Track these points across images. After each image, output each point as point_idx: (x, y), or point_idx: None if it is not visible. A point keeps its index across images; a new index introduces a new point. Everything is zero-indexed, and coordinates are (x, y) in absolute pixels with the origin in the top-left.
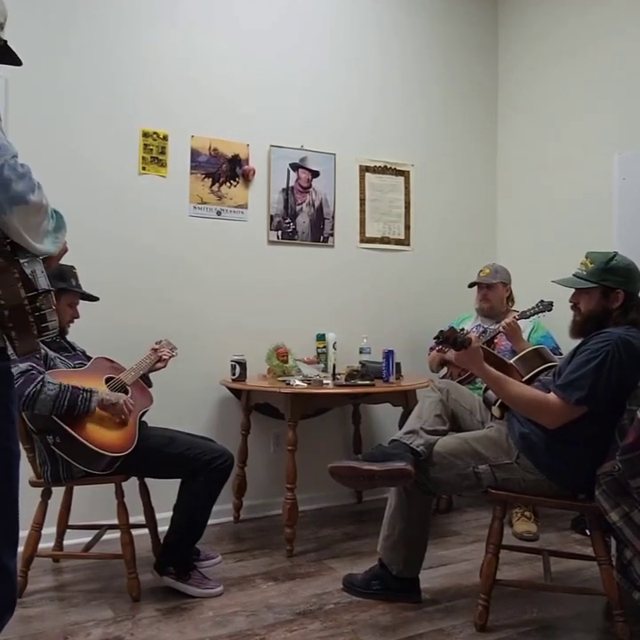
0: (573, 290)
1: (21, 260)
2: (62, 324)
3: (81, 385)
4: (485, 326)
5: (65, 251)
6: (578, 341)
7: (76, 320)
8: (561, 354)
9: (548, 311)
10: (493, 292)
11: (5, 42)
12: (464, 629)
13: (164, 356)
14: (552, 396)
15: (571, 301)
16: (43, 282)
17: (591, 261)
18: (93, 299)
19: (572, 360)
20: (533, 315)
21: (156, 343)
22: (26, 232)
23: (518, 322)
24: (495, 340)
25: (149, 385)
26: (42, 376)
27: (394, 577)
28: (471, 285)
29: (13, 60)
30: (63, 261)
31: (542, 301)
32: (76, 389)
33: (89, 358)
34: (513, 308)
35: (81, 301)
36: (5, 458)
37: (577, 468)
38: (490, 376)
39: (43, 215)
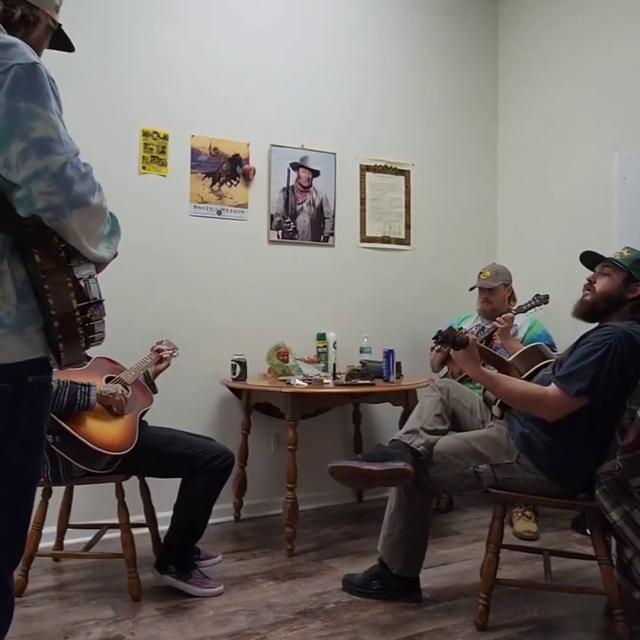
0: (591, 272)
1: (74, 267)
2: None
3: (79, 380)
4: (483, 325)
5: (115, 256)
6: (577, 327)
7: None
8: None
9: (545, 304)
10: (495, 295)
11: (60, 25)
12: (464, 629)
13: (165, 356)
14: (552, 387)
15: (588, 279)
16: (95, 290)
17: (628, 251)
18: None
19: (573, 352)
20: (530, 308)
21: (157, 343)
22: (84, 236)
23: (516, 316)
24: (493, 338)
25: (154, 391)
26: None
27: (394, 576)
28: (472, 289)
29: (67, 46)
30: None
31: (538, 295)
32: (74, 384)
33: (89, 358)
34: (513, 308)
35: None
36: (31, 478)
37: (577, 467)
38: (485, 375)
39: (101, 219)
